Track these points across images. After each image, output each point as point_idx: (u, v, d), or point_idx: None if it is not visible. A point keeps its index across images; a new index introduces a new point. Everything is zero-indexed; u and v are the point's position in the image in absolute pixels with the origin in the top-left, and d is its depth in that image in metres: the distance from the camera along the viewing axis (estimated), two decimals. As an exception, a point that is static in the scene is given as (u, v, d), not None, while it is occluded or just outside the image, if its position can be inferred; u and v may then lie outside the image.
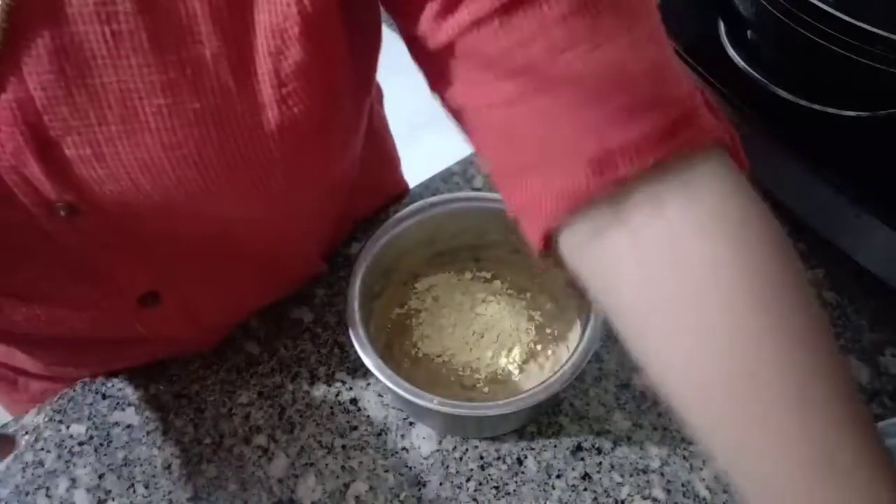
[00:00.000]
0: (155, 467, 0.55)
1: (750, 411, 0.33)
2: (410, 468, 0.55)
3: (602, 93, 0.34)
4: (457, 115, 0.40)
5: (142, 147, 0.36)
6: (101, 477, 0.54)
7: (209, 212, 0.41)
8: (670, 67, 0.36)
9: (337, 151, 0.47)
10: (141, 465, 0.55)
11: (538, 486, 0.54)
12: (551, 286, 0.59)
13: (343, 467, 0.55)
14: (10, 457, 0.55)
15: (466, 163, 0.73)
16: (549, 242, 0.38)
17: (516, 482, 0.54)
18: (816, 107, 0.63)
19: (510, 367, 0.58)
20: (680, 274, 0.35)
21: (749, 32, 0.66)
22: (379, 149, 0.68)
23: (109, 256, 0.43)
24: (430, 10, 0.35)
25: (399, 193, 0.70)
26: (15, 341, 0.54)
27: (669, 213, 0.35)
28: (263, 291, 0.59)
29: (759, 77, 0.65)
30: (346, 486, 0.54)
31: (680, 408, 0.35)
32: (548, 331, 0.60)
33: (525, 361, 0.58)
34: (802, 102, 0.63)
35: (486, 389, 0.57)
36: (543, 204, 0.36)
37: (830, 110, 0.63)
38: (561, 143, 0.35)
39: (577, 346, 0.50)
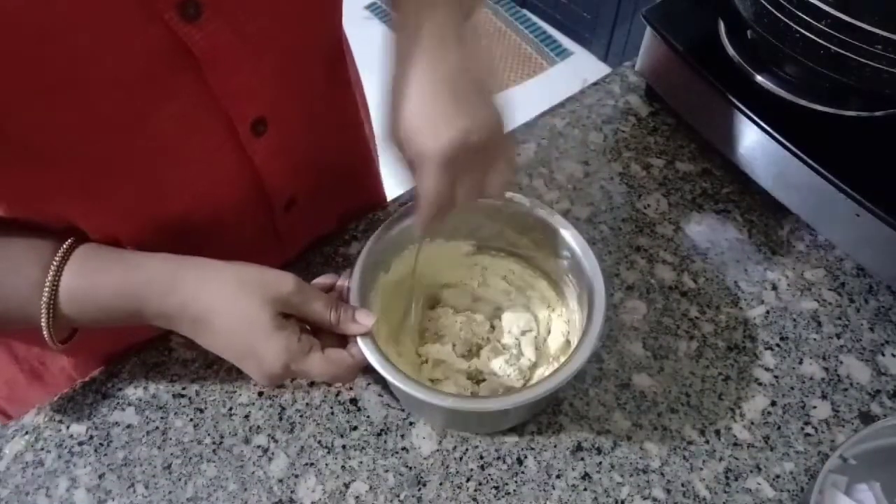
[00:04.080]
0: (155, 467, 0.55)
1: None
2: (410, 468, 0.55)
3: None
4: None
5: None
6: (101, 477, 0.54)
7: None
8: None
9: None
10: (141, 465, 0.55)
11: (538, 486, 0.54)
12: (550, 274, 0.59)
13: (343, 467, 0.55)
14: (11, 457, 0.55)
15: (466, 163, 0.73)
16: None
17: (516, 482, 0.54)
18: (816, 107, 0.63)
19: (511, 360, 0.58)
20: None
21: (749, 32, 0.66)
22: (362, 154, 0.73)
23: (231, 73, 0.46)
24: None
25: (376, 204, 0.75)
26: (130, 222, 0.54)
27: None
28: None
29: (759, 77, 0.65)
30: (346, 486, 0.54)
31: None
32: (547, 320, 0.60)
33: (525, 353, 0.58)
34: (802, 102, 0.63)
35: (487, 382, 0.57)
36: None
37: (830, 110, 0.63)
38: None
39: (579, 341, 0.50)
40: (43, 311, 0.46)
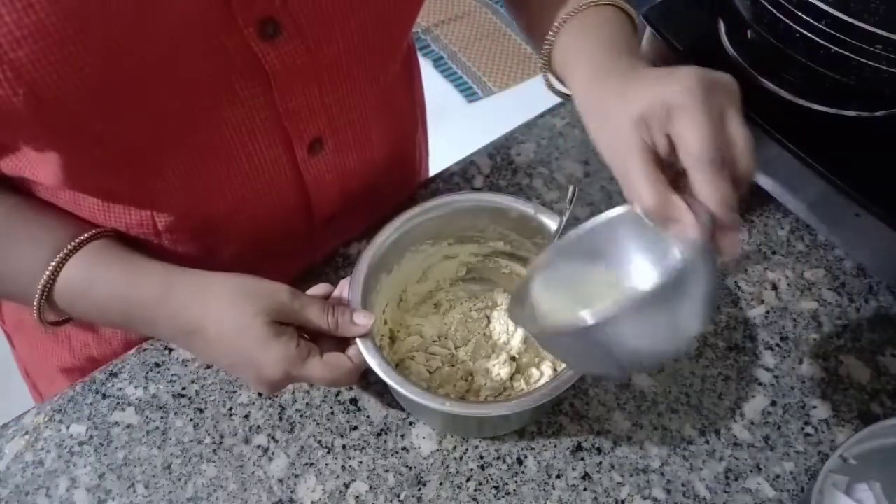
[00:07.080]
0: (155, 467, 0.55)
1: None
2: (410, 468, 0.55)
3: None
4: None
5: None
6: (101, 477, 0.54)
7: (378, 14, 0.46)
8: None
9: None
10: (141, 465, 0.55)
11: (538, 486, 0.54)
12: None
13: (343, 467, 0.55)
14: (11, 457, 0.55)
15: (466, 163, 0.73)
16: None
17: (516, 482, 0.54)
18: (816, 107, 0.63)
19: (511, 365, 0.58)
20: None
21: (749, 32, 0.66)
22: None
23: (298, 93, 0.48)
24: None
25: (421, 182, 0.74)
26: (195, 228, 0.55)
27: None
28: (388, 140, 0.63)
29: (759, 77, 0.65)
30: (346, 486, 0.54)
31: None
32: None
33: (525, 358, 0.58)
34: (802, 102, 0.63)
35: (486, 386, 0.57)
36: None
37: (830, 110, 0.63)
38: None
39: None
40: (37, 293, 0.47)
